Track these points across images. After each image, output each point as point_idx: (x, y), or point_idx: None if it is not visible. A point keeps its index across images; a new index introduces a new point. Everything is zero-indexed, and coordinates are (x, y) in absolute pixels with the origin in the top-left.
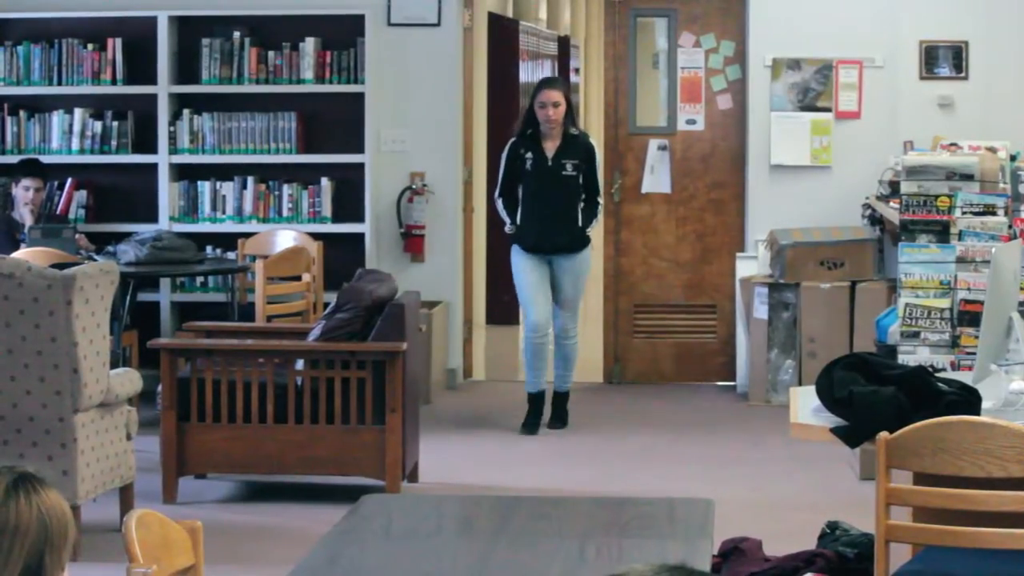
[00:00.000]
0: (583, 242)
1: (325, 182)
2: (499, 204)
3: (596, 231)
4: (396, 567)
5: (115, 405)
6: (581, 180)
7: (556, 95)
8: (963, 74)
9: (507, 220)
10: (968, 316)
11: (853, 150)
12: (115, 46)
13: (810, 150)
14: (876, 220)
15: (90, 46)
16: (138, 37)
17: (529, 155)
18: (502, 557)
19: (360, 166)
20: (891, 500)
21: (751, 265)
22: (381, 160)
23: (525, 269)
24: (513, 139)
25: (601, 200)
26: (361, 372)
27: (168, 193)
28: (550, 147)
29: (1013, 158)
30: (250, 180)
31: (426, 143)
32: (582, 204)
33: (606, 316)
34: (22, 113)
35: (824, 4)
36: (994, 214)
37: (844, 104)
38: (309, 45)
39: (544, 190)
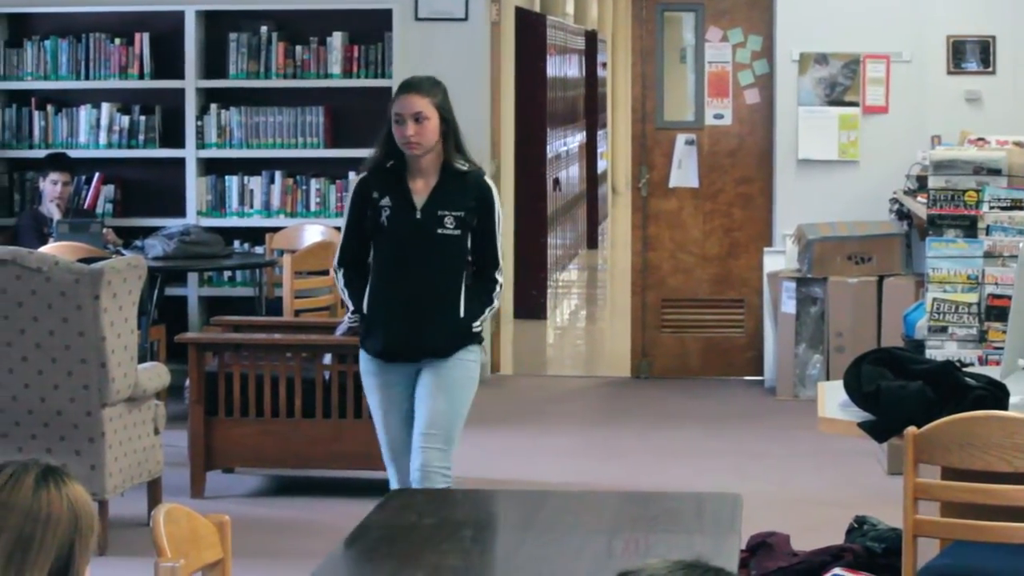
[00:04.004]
0: (465, 340)
1: (353, 176)
2: (339, 280)
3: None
4: (423, 562)
5: (143, 399)
6: (469, 243)
7: (419, 103)
8: (991, 69)
9: (349, 306)
10: (996, 311)
11: (881, 145)
12: (142, 40)
13: (838, 145)
14: (904, 215)
15: (117, 40)
16: (165, 31)
17: (387, 201)
18: (529, 552)
19: None
20: (919, 495)
21: (779, 260)
22: None
23: (379, 401)
24: (363, 175)
25: (501, 277)
26: None
27: (196, 187)
28: (420, 189)
29: None
30: (278, 174)
31: None
32: (468, 281)
33: (633, 311)
34: (50, 107)
35: None
36: (1022, 208)
37: (871, 99)
38: (336, 39)
39: (408, 257)
